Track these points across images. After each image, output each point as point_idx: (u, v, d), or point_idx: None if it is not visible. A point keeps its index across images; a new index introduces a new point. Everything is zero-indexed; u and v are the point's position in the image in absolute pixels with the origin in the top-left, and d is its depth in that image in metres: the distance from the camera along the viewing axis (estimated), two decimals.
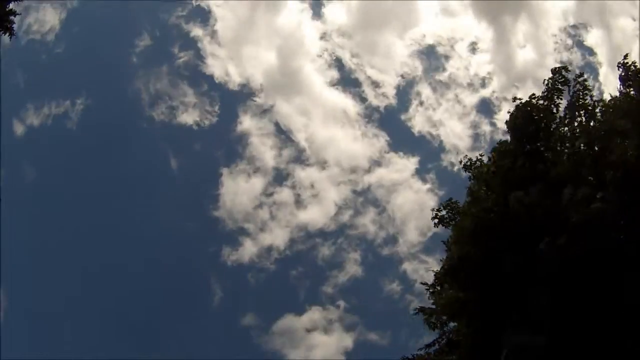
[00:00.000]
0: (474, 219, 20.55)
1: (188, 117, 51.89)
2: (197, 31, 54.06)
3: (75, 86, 52.48)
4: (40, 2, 52.43)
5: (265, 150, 51.74)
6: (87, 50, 53.61)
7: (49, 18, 52.12)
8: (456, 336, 21.54)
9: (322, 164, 51.12)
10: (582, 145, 20.07)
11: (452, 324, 21.78)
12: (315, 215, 49.49)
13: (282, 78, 56.98)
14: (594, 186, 18.90)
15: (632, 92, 19.94)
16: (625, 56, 21.09)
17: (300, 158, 51.78)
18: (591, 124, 20.18)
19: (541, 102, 21.10)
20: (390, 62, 58.84)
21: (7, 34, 16.83)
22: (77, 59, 53.36)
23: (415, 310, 22.29)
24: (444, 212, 22.08)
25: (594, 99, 20.71)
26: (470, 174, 21.99)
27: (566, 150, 20.42)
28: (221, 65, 53.81)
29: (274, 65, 57.60)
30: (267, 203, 49.75)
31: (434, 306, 21.94)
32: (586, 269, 18.17)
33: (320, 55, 55.51)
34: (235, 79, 53.71)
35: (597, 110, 20.40)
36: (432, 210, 22.23)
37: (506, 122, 21.57)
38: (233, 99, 55.54)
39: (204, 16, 57.97)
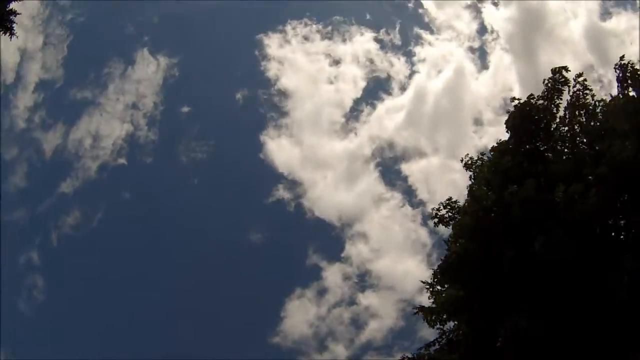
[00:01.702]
0: (474, 217, 20.66)
1: (254, 237, 51.33)
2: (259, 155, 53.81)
3: (136, 198, 51.79)
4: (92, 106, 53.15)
5: (332, 278, 50.56)
6: (147, 159, 53.43)
7: (105, 129, 52.88)
8: (456, 335, 21.60)
9: (388, 288, 50.27)
10: (582, 145, 20.21)
11: (452, 323, 21.80)
12: (374, 332, 48.38)
13: (350, 207, 56.07)
14: (591, 185, 19.01)
15: (631, 93, 20.07)
16: (622, 57, 21.19)
17: (365, 284, 50.65)
18: (592, 123, 20.30)
19: (541, 102, 21.18)
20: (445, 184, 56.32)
21: (7, 34, 16.67)
22: (136, 170, 52.80)
23: (415, 310, 22.28)
24: (444, 211, 22.11)
25: (595, 98, 20.80)
26: (471, 173, 22.11)
27: (566, 150, 20.55)
28: (292, 194, 53.01)
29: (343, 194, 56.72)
30: (327, 325, 48.83)
31: (434, 305, 21.96)
32: (580, 265, 18.31)
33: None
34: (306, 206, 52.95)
35: (598, 110, 20.51)
36: (432, 209, 22.30)
37: (505, 122, 21.71)
38: (301, 226, 54.09)
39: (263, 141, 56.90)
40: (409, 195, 53.73)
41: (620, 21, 52.65)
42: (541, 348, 18.21)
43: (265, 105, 57.29)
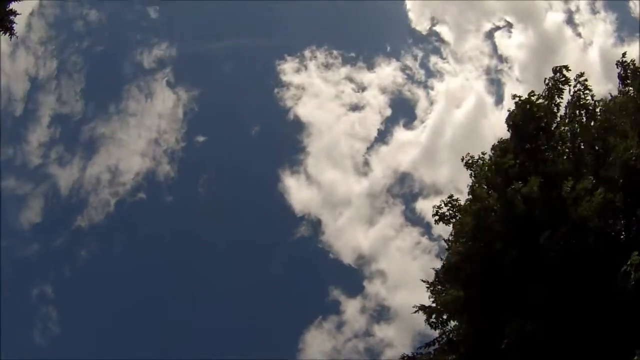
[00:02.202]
0: (474, 217, 20.62)
1: (273, 272, 50.50)
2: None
3: (154, 233, 50.68)
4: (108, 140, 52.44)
5: (350, 312, 49.24)
6: (165, 194, 52.48)
7: (123, 163, 52.08)
8: (456, 335, 21.59)
9: (403, 320, 47.63)
10: (582, 144, 20.15)
11: (452, 323, 21.77)
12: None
13: (368, 243, 54.16)
14: (593, 184, 18.95)
15: (630, 91, 20.00)
16: (624, 54, 21.16)
17: (382, 317, 49.03)
18: (592, 123, 20.23)
19: (541, 101, 21.05)
20: None
21: (7, 34, 16.74)
22: (154, 205, 51.63)
23: (415, 309, 22.25)
24: (445, 209, 22.05)
25: (595, 98, 20.72)
26: (471, 171, 22.03)
27: (567, 150, 20.48)
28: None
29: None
30: (343, 355, 47.97)
31: (434, 305, 21.93)
32: (586, 262, 18.25)
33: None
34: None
35: (598, 109, 20.44)
36: (434, 206, 22.22)
37: (506, 120, 21.60)
38: (319, 263, 52.17)
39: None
40: (427, 229, 51.70)
41: (634, 48, 52.13)
42: (546, 351, 18.17)
43: (284, 138, 56.56)
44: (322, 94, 56.72)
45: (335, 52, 56.26)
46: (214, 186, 53.26)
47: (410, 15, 61.09)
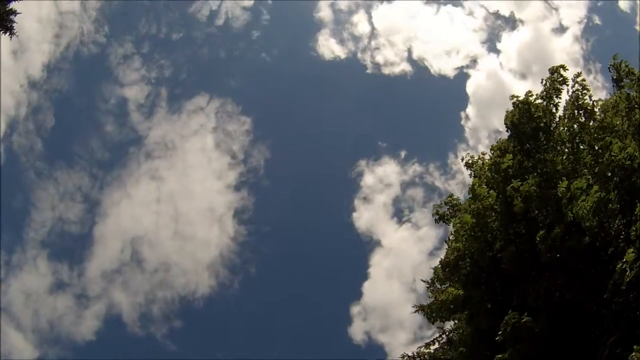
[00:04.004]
0: (475, 215, 20.77)
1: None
2: None
3: None
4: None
5: None
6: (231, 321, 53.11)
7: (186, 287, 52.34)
8: (456, 335, 21.79)
9: None
10: (581, 144, 20.34)
11: (452, 323, 21.98)
12: None
13: None
14: (590, 184, 19.18)
15: (628, 92, 20.15)
16: (615, 57, 21.30)
17: None
18: (591, 123, 20.43)
19: (539, 101, 21.16)
20: None
21: (8, 33, 16.31)
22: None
23: (414, 309, 22.41)
24: (444, 209, 22.18)
25: (593, 98, 20.92)
26: (471, 171, 22.15)
27: (566, 150, 20.66)
28: None
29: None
30: None
31: (434, 304, 22.08)
32: (583, 261, 18.51)
33: None
34: None
35: (597, 109, 20.66)
36: (434, 206, 22.36)
37: (505, 121, 21.68)
38: None
39: None
40: None
41: None
42: (541, 345, 18.41)
43: (350, 256, 56.68)
44: (384, 204, 56.82)
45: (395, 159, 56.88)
46: (279, 311, 53.32)
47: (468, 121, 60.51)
